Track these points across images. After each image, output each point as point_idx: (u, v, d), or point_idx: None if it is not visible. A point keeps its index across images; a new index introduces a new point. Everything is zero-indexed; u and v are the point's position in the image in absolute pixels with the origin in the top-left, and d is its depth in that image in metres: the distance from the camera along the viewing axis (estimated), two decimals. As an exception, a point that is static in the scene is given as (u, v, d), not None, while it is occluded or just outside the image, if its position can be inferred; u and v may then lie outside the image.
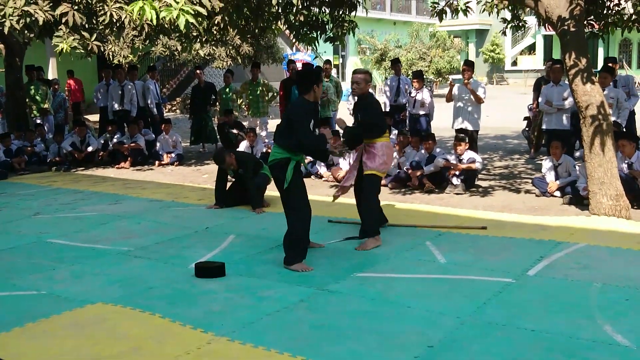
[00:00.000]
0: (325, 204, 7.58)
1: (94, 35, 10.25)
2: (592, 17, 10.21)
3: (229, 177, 8.13)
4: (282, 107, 12.78)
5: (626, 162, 7.68)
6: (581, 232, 6.41)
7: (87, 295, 4.82)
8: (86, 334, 4.07)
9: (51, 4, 9.50)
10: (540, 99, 9.82)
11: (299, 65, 24.08)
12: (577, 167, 8.09)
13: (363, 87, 6.13)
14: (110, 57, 17.03)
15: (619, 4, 10.30)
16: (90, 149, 12.22)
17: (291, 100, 12.37)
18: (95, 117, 16.05)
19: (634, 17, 10.37)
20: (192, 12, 6.97)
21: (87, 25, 9.95)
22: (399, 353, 3.71)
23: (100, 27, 10.31)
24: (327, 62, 13.77)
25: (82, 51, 10.36)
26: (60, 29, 9.89)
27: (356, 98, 6.44)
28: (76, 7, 9.40)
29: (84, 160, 12.08)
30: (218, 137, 13.42)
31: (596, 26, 10.66)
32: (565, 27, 7.06)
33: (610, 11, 10.29)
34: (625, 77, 10.27)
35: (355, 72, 6.22)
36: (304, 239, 5.52)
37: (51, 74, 20.69)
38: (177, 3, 6.89)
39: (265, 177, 8.23)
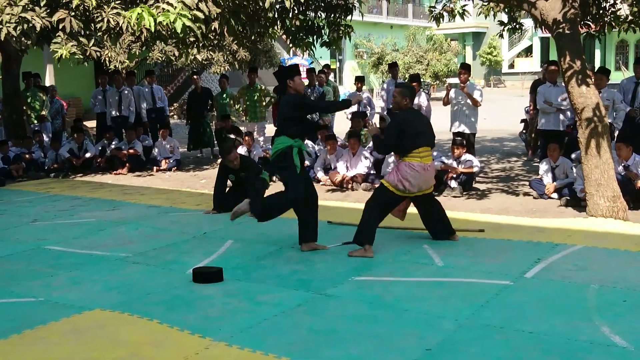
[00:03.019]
0: (323, 207, 7.55)
1: (92, 41, 10.26)
2: (589, 17, 10.23)
3: (228, 181, 8.13)
4: (275, 112, 12.83)
5: (623, 164, 7.69)
6: (579, 233, 6.43)
7: (85, 301, 4.82)
8: (84, 341, 4.06)
9: (48, 11, 9.51)
10: (538, 99, 9.81)
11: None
12: (574, 169, 8.10)
13: (398, 101, 6.04)
14: (107, 62, 17.03)
15: (614, 5, 10.33)
16: (87, 155, 12.23)
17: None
18: (92, 124, 16.04)
19: (629, 17, 10.41)
20: (189, 17, 6.99)
21: (84, 32, 9.95)
22: (397, 356, 3.71)
23: (98, 34, 10.32)
24: (326, 66, 13.78)
25: (81, 57, 10.37)
26: (58, 36, 9.89)
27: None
28: (73, 14, 9.41)
29: (82, 167, 12.09)
30: (216, 142, 13.43)
31: (593, 27, 10.68)
32: (560, 30, 7.09)
33: (606, 12, 10.32)
34: None
35: (396, 85, 6.35)
36: (279, 210, 6.02)
37: (48, 80, 20.68)
38: (175, 8, 6.90)
39: (265, 182, 8.23)
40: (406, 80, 12.36)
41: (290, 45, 11.97)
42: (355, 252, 5.87)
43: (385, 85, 12.43)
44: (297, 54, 27.93)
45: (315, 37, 11.28)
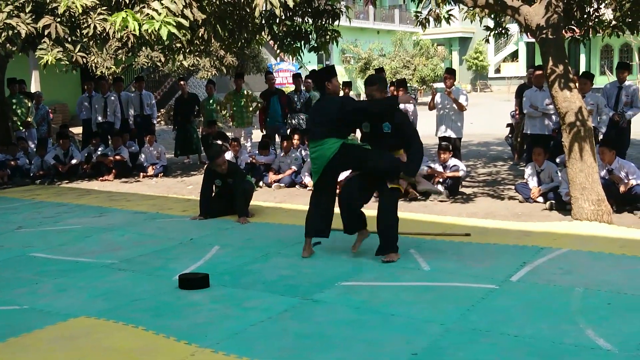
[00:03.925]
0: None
1: (78, 47, 10.23)
2: (573, 22, 10.32)
3: (214, 186, 8.12)
4: (262, 118, 12.81)
5: (606, 168, 7.75)
6: (564, 237, 6.47)
7: (71, 309, 4.79)
8: (70, 348, 4.04)
9: (33, 17, 9.47)
10: (524, 103, 9.88)
11: (279, 75, 24.08)
12: (559, 173, 8.16)
13: (379, 98, 5.85)
14: (94, 68, 16.98)
15: (598, 10, 10.43)
16: (73, 161, 12.16)
17: (270, 110, 12.43)
18: (79, 130, 15.98)
19: (613, 22, 10.51)
20: (174, 24, 6.99)
21: (70, 38, 9.91)
22: (383, 361, 3.72)
23: (84, 40, 10.29)
24: (314, 71, 13.77)
25: (67, 63, 10.34)
26: (44, 42, 9.85)
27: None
28: (59, 20, 9.38)
29: (68, 173, 12.02)
30: (202, 148, 13.42)
31: (577, 31, 10.77)
32: (544, 35, 7.15)
33: (590, 16, 10.41)
34: (628, 87, 10.01)
35: (366, 83, 6.00)
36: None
37: (34, 87, 20.59)
38: (159, 15, 6.90)
39: (252, 185, 8.25)
40: (392, 86, 12.34)
41: (278, 50, 11.99)
42: (392, 257, 5.79)
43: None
44: (284, 59, 27.96)
45: (302, 42, 11.31)
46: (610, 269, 5.36)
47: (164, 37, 6.93)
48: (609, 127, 9.45)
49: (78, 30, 9.99)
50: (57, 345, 4.09)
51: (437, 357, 3.77)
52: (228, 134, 13.60)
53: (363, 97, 30.10)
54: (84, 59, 10.69)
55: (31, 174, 11.98)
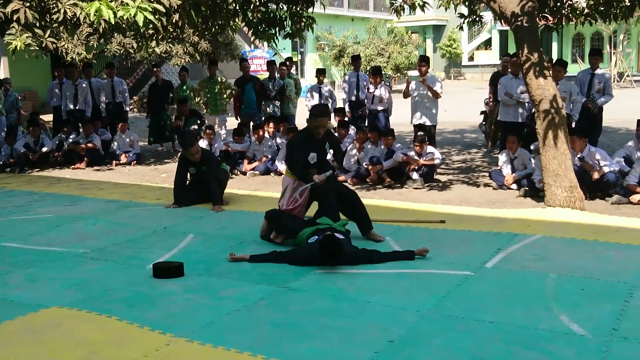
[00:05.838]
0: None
1: (48, 32, 10.01)
2: (547, 10, 10.38)
3: (188, 174, 8.04)
4: (236, 105, 12.70)
5: (578, 156, 7.82)
6: (537, 223, 6.53)
7: (42, 299, 4.70)
8: (41, 340, 3.97)
9: (1, 2, 9.25)
10: (499, 90, 9.90)
11: (253, 62, 23.91)
12: (533, 160, 8.22)
13: None
14: (64, 54, 16.68)
15: (571, -2, 10.52)
16: (44, 149, 11.96)
17: (245, 98, 12.33)
18: (49, 117, 15.72)
19: (586, 10, 10.59)
20: (150, 10, 6.88)
21: (40, 23, 9.71)
22: (360, 349, 3.71)
23: (54, 25, 10.08)
24: (289, 59, 13.69)
25: (37, 48, 10.12)
26: (12, 27, 9.63)
27: None
28: (28, 4, 9.17)
29: (39, 162, 11.82)
30: (176, 137, 13.28)
31: (551, 19, 10.83)
32: (519, 23, 7.17)
33: (563, 4, 10.48)
34: (601, 75, 10.08)
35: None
36: None
37: (2, 73, 20.19)
38: (134, 1, 6.79)
39: (226, 173, 8.17)
40: (368, 73, 12.32)
41: (252, 37, 11.88)
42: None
43: (347, 77, 12.42)
44: (258, 46, 27.78)
45: (277, 29, 11.22)
46: (583, 254, 5.42)
47: (140, 24, 6.81)
48: (580, 115, 9.53)
49: (48, 16, 9.78)
50: (29, 337, 4.01)
51: (413, 344, 3.77)
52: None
53: (337, 84, 30.07)
54: (54, 45, 10.48)
55: (1, 162, 11.75)
